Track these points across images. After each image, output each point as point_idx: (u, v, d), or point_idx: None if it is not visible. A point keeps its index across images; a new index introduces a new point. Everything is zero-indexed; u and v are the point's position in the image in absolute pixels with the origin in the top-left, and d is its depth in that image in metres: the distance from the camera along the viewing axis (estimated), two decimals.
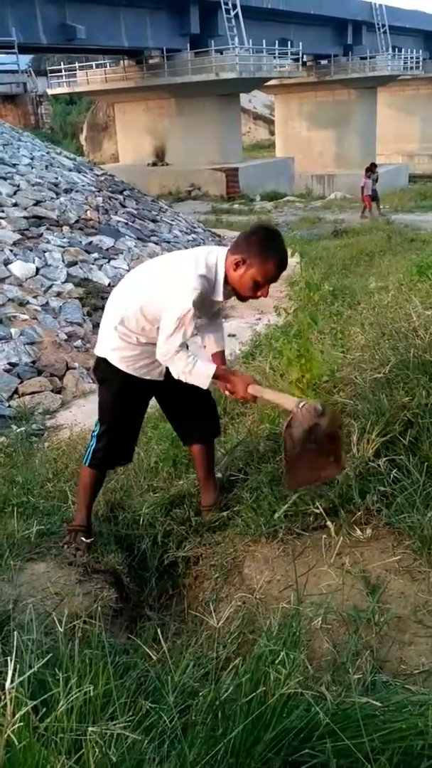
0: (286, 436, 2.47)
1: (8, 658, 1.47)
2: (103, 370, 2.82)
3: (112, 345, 2.74)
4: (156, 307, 2.59)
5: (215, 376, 2.63)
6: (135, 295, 2.68)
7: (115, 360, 2.75)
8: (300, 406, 2.45)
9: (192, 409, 2.98)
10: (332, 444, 2.52)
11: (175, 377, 2.64)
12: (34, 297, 9.03)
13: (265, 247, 2.52)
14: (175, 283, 2.53)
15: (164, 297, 2.56)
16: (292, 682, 1.56)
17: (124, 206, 13.82)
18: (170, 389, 2.82)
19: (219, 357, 2.96)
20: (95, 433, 2.92)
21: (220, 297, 2.61)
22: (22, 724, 1.34)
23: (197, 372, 2.59)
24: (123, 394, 2.82)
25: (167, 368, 2.70)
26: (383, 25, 39.30)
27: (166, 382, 2.78)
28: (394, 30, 40.38)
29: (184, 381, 2.63)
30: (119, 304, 2.72)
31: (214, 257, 2.59)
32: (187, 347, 2.60)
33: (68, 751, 1.42)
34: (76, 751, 1.42)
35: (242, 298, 2.67)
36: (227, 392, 2.74)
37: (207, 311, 2.70)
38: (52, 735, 1.43)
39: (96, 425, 2.94)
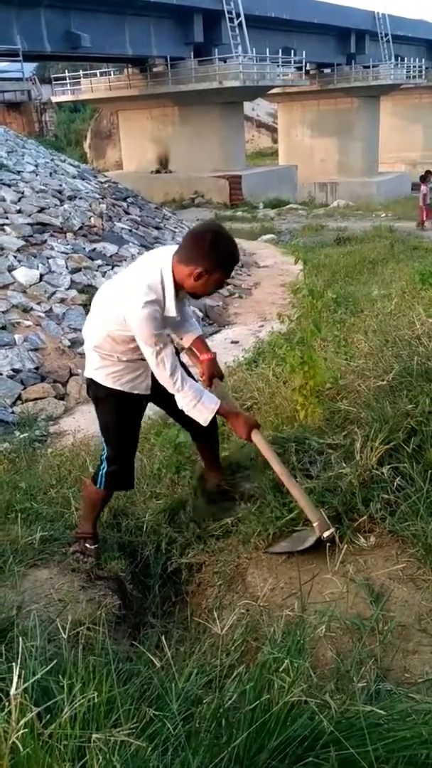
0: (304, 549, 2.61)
1: (12, 664, 1.47)
2: (93, 390, 2.84)
3: (95, 365, 2.77)
4: (120, 333, 2.61)
5: (219, 413, 2.68)
6: (100, 321, 2.70)
7: (101, 378, 2.76)
8: (325, 535, 2.55)
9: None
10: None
11: (180, 407, 2.67)
12: (38, 303, 9.05)
13: (220, 252, 2.50)
14: (129, 316, 2.50)
15: (124, 326, 2.56)
16: (296, 690, 1.56)
17: (127, 213, 13.86)
18: (164, 394, 2.77)
19: (200, 342, 3.01)
20: (104, 456, 2.90)
21: (172, 312, 2.57)
22: (26, 730, 1.34)
23: (201, 406, 2.64)
24: (119, 412, 2.82)
25: (153, 382, 2.75)
26: (386, 35, 39.46)
27: (157, 391, 2.77)
28: (397, 39, 40.54)
29: (189, 414, 2.67)
30: (91, 330, 2.75)
31: (158, 275, 2.53)
32: (187, 379, 2.65)
33: (72, 758, 1.42)
34: (80, 758, 1.42)
35: (198, 298, 2.68)
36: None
37: (170, 322, 2.68)
38: (56, 742, 1.42)
39: (103, 449, 2.93)
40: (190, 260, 2.49)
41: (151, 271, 2.55)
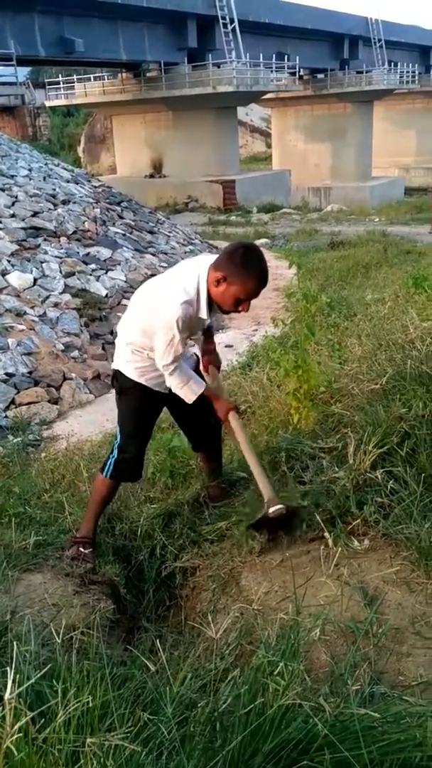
0: (254, 523, 2.75)
1: (6, 669, 1.47)
2: (120, 381, 2.97)
3: (126, 358, 2.91)
4: (154, 330, 2.74)
5: (204, 393, 2.82)
6: (136, 317, 2.86)
7: (129, 371, 2.90)
8: (270, 511, 2.65)
9: (198, 420, 3.08)
10: (291, 522, 2.74)
11: (169, 386, 2.83)
12: (32, 307, 9.04)
13: (245, 266, 2.58)
14: (163, 311, 2.66)
15: (157, 322, 2.71)
16: (291, 693, 1.56)
17: (121, 218, 13.87)
18: (178, 402, 2.91)
19: (207, 331, 3.10)
20: (116, 445, 3.01)
21: (204, 315, 2.70)
22: (20, 735, 1.33)
23: (188, 389, 2.79)
24: (140, 404, 2.96)
25: None
26: (379, 40, 39.66)
27: (173, 395, 2.89)
28: (390, 44, 40.74)
29: (177, 393, 2.83)
30: (126, 326, 2.93)
31: (196, 278, 2.67)
32: (181, 365, 2.80)
33: (66, 763, 1.41)
34: (74, 763, 1.42)
35: (225, 311, 2.78)
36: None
37: (197, 327, 2.81)
38: (50, 746, 1.42)
39: (117, 438, 3.04)
40: (218, 266, 2.62)
41: (191, 275, 2.69)
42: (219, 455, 3.34)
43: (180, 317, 2.60)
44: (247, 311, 2.74)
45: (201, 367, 3.04)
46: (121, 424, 3.02)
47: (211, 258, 2.73)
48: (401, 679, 1.95)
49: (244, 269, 2.57)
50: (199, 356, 3.16)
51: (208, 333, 3.09)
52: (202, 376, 3.00)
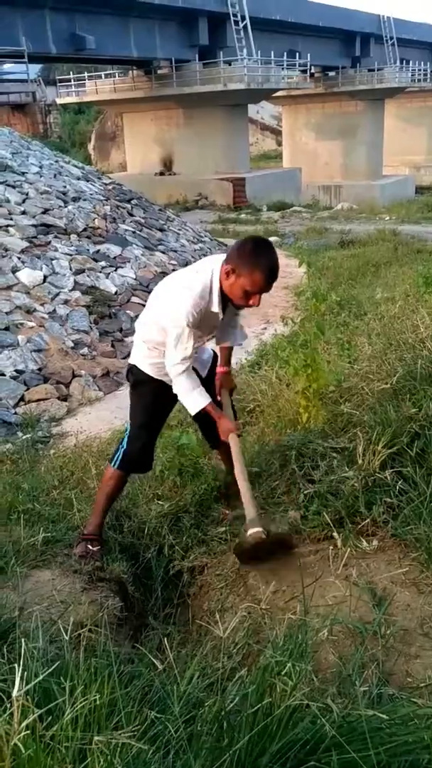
0: (235, 547, 2.72)
1: (14, 665, 1.47)
2: (135, 375, 3.02)
3: (142, 354, 2.96)
4: (169, 325, 2.76)
5: (205, 409, 2.80)
6: (153, 313, 2.89)
7: (145, 366, 2.95)
8: (248, 534, 2.63)
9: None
10: (283, 546, 2.69)
11: (175, 392, 2.83)
12: (42, 304, 9.05)
13: (253, 258, 2.60)
14: (175, 305, 2.69)
15: (169, 315, 2.74)
16: (298, 693, 1.56)
17: (131, 215, 13.87)
18: None
19: (225, 352, 3.17)
20: (127, 435, 3.06)
21: (215, 308, 2.70)
22: (28, 732, 1.33)
23: (192, 398, 2.80)
24: (153, 397, 3.00)
25: None
26: (391, 38, 39.47)
27: None
28: (401, 42, 40.54)
29: (181, 400, 2.85)
30: (143, 322, 2.96)
31: (209, 272, 2.70)
32: (191, 373, 2.81)
33: (73, 760, 1.41)
34: (82, 760, 1.42)
35: (237, 307, 2.82)
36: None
37: (209, 322, 2.80)
38: (57, 744, 1.42)
39: (127, 429, 3.09)
40: (228, 259, 2.67)
41: (205, 270, 2.74)
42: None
43: (191, 310, 2.63)
44: (258, 305, 2.74)
45: (216, 380, 3.09)
46: (133, 415, 3.07)
47: (223, 257, 2.76)
48: (409, 680, 1.95)
49: (251, 261, 2.59)
50: (216, 353, 3.17)
51: (227, 356, 3.14)
52: (212, 382, 3.04)
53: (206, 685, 1.80)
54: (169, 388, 2.93)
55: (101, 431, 6.04)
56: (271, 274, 2.62)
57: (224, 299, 2.72)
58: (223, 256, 2.76)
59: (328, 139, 38.87)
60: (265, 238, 2.90)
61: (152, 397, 2.99)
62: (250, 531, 2.63)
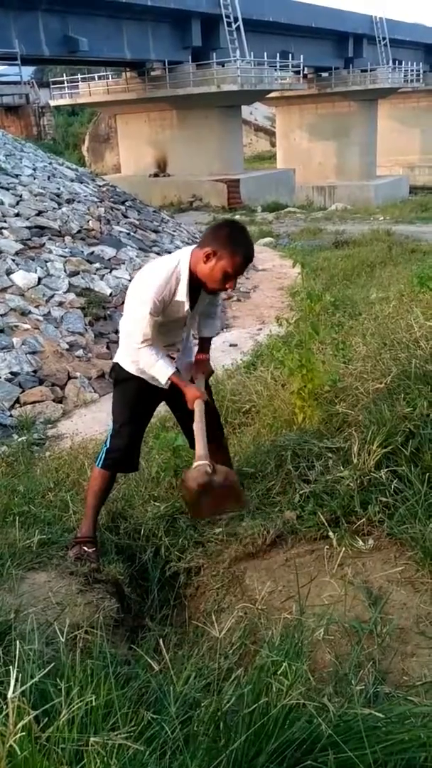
0: (181, 485, 2.74)
1: (10, 667, 1.47)
2: (117, 372, 3.02)
3: (125, 351, 2.95)
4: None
5: (171, 379, 2.82)
6: (128, 307, 2.89)
7: (127, 364, 2.94)
8: (193, 466, 2.67)
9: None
10: (230, 492, 2.70)
11: (141, 367, 2.85)
12: (36, 307, 9.05)
13: (233, 241, 2.64)
14: (139, 293, 2.74)
15: (137, 301, 2.77)
16: (295, 693, 1.56)
17: (126, 217, 13.87)
18: (177, 397, 2.92)
19: (204, 342, 3.15)
20: (110, 433, 3.06)
21: (182, 297, 2.71)
22: (24, 733, 1.33)
23: (158, 367, 2.79)
24: (134, 394, 2.99)
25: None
26: (384, 38, 39.55)
27: (173, 390, 2.90)
28: (394, 43, 40.63)
29: (147, 373, 2.85)
30: (124, 319, 2.95)
31: (176, 261, 2.72)
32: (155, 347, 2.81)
33: (70, 761, 1.41)
34: (78, 762, 1.42)
35: (211, 292, 2.81)
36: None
37: (174, 314, 2.79)
38: (53, 745, 1.42)
39: (110, 428, 3.08)
40: (205, 243, 2.68)
41: (171, 259, 2.77)
42: (225, 450, 3.29)
43: (153, 297, 2.64)
44: (233, 289, 2.81)
45: (193, 369, 3.09)
46: (115, 413, 3.07)
47: (192, 246, 2.79)
48: (405, 679, 1.95)
49: (232, 244, 2.63)
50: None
51: (206, 345, 3.14)
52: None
53: (203, 686, 1.80)
54: (152, 386, 2.94)
55: (97, 433, 6.04)
56: (249, 256, 2.70)
57: (193, 290, 2.72)
58: (189, 247, 2.79)
59: (321, 139, 38.94)
60: (238, 222, 2.93)
61: (135, 395, 2.99)
62: (196, 463, 2.66)
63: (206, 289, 2.77)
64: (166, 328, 2.81)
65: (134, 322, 2.75)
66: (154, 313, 2.66)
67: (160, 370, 2.79)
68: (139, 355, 2.80)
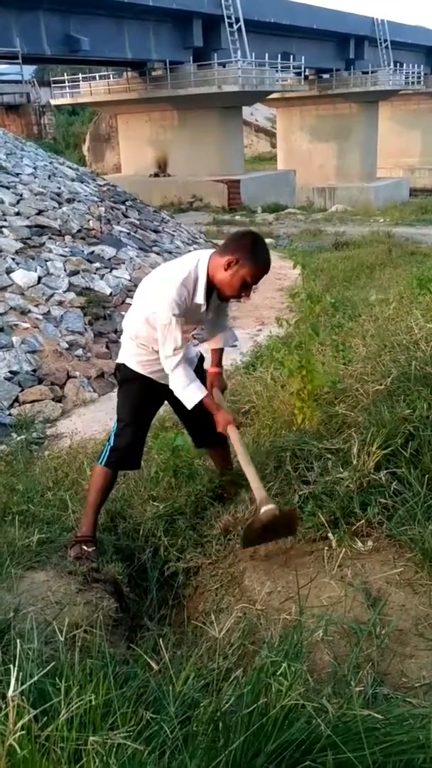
0: (246, 527, 2.72)
1: (10, 666, 1.47)
2: (123, 372, 3.03)
3: (131, 352, 2.97)
4: (156, 318, 2.78)
5: (203, 402, 2.81)
6: (140, 308, 2.90)
7: (133, 364, 2.96)
8: (262, 511, 2.65)
9: (201, 416, 3.04)
10: (288, 526, 2.71)
11: (171, 387, 2.83)
12: (36, 306, 9.04)
13: (255, 250, 2.70)
14: (160, 297, 2.72)
15: (157, 306, 2.76)
16: (294, 693, 1.56)
17: (126, 216, 13.87)
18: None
19: (216, 354, 3.16)
20: (113, 432, 3.06)
21: (200, 300, 2.73)
22: (23, 732, 1.33)
23: (189, 391, 2.79)
24: (140, 393, 3.01)
25: None
26: (385, 40, 39.60)
27: None
28: (396, 45, 40.68)
29: (177, 394, 2.83)
30: (131, 318, 2.96)
31: (195, 263, 2.75)
32: (186, 366, 2.82)
33: (69, 761, 1.41)
34: (77, 761, 1.42)
35: (224, 299, 2.86)
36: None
37: (193, 316, 2.82)
38: (53, 744, 1.42)
39: (114, 426, 3.08)
40: (226, 251, 2.71)
41: (190, 260, 2.79)
42: (225, 448, 3.31)
43: (176, 299, 2.65)
44: (249, 298, 2.86)
45: (208, 381, 3.09)
46: (119, 412, 3.07)
47: (211, 250, 2.81)
48: (404, 680, 1.95)
49: (253, 253, 2.68)
50: (203, 355, 3.18)
51: (219, 358, 3.15)
52: (203, 379, 3.04)
53: (202, 686, 1.81)
54: (157, 385, 2.94)
55: (96, 432, 6.04)
56: (267, 266, 2.75)
57: (209, 292, 2.74)
58: (207, 250, 2.81)
59: (322, 141, 38.96)
60: (259, 233, 2.97)
61: (139, 395, 3.00)
62: (264, 508, 2.64)
63: (221, 295, 2.80)
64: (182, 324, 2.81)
65: (162, 336, 2.72)
66: (179, 314, 2.67)
67: (191, 394, 2.79)
68: (171, 374, 2.78)
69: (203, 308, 2.78)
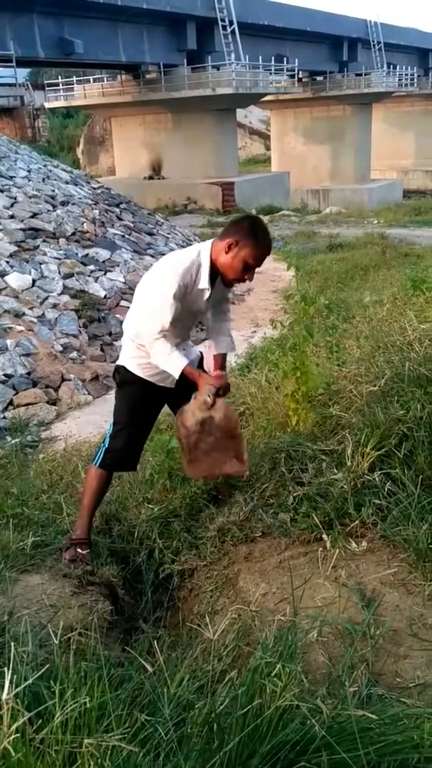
0: (179, 424, 2.72)
1: (4, 669, 1.46)
2: (122, 375, 3.02)
3: (131, 354, 2.96)
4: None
5: (184, 372, 2.79)
6: (138, 307, 2.89)
7: (133, 366, 2.95)
8: (193, 395, 2.69)
9: None
10: (230, 440, 2.71)
11: (153, 362, 2.82)
12: (30, 308, 9.04)
13: (255, 232, 2.72)
14: (161, 280, 2.73)
15: (155, 291, 2.76)
16: (288, 694, 1.56)
17: (120, 219, 13.87)
18: (180, 399, 2.93)
19: (218, 360, 3.15)
20: (109, 434, 3.05)
21: (203, 284, 2.74)
22: (17, 735, 1.33)
23: (171, 360, 2.77)
24: (138, 397, 3.00)
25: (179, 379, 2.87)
26: (378, 43, 39.72)
27: (178, 391, 2.92)
28: (389, 47, 40.80)
29: (159, 366, 2.82)
30: (131, 318, 2.95)
31: (196, 251, 2.77)
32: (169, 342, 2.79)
33: (63, 764, 1.41)
34: (71, 764, 1.42)
35: (228, 283, 2.85)
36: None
37: (194, 304, 2.82)
38: (47, 747, 1.42)
39: (110, 427, 3.08)
40: (227, 234, 2.73)
41: (190, 251, 2.81)
42: None
43: (178, 281, 2.66)
44: (251, 281, 2.83)
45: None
46: (116, 414, 3.07)
47: (210, 241, 2.82)
48: (398, 680, 1.96)
49: (253, 235, 2.70)
50: (204, 356, 3.17)
51: (222, 362, 3.15)
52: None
53: (196, 688, 1.80)
54: (157, 388, 2.94)
55: (90, 435, 6.04)
56: (269, 247, 2.77)
57: (213, 277, 2.75)
58: (209, 241, 2.82)
59: (316, 143, 39.04)
60: (259, 217, 3.00)
61: (138, 398, 3.00)
62: (194, 395, 2.69)
63: (225, 280, 2.81)
64: (181, 323, 2.82)
65: (153, 314, 2.72)
66: (177, 297, 2.66)
67: (173, 362, 2.77)
68: (151, 348, 2.78)
69: (207, 294, 2.78)
